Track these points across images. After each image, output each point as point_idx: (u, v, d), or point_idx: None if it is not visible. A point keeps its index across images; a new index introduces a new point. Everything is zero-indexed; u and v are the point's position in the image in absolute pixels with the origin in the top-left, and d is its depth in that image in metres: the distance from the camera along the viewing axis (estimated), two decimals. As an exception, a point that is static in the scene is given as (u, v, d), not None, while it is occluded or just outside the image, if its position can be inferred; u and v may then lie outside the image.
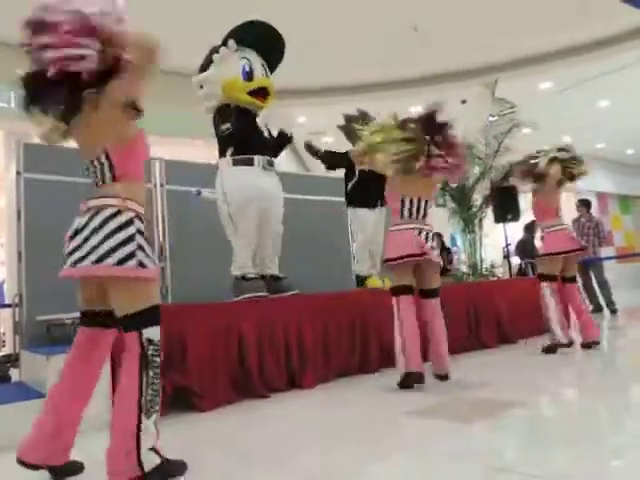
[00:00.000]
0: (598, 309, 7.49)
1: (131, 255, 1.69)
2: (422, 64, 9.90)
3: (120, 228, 1.71)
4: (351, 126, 4.32)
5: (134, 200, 1.80)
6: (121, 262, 1.68)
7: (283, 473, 1.84)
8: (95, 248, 1.69)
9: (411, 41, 8.80)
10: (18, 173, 3.77)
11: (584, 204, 7.85)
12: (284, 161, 7.47)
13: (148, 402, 1.71)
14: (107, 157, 1.81)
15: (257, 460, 2.01)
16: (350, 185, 4.86)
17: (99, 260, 1.68)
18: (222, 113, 3.63)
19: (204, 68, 3.77)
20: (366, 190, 4.67)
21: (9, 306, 3.92)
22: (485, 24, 8.54)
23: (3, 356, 4.08)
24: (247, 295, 3.47)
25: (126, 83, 1.77)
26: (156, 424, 1.75)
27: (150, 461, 1.70)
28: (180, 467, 1.84)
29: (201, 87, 3.78)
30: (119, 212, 1.74)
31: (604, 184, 16.88)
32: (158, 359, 1.76)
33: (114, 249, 1.68)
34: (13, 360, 3.70)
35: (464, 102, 10.68)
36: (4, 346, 4.99)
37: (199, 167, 4.62)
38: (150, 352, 1.73)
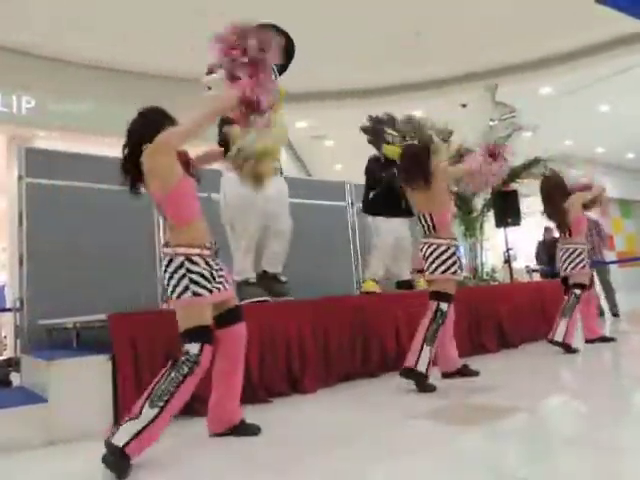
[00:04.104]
0: (600, 313, 7.45)
1: (185, 289, 2.17)
2: (423, 68, 9.93)
3: (175, 272, 2.18)
4: (378, 128, 4.28)
5: (182, 245, 2.19)
6: (179, 296, 2.18)
7: (285, 477, 1.84)
8: (168, 287, 2.22)
9: (412, 45, 8.83)
10: (20, 177, 3.78)
11: None
12: (285, 166, 7.44)
13: (157, 394, 2.04)
14: (159, 208, 2.28)
15: (259, 464, 2.01)
16: (374, 193, 4.60)
17: (171, 295, 2.21)
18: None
19: (212, 70, 3.73)
20: (393, 198, 4.46)
21: (10, 310, 3.92)
22: (486, 29, 8.58)
23: (4, 360, 4.07)
24: (249, 300, 3.47)
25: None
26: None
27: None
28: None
29: (208, 88, 3.74)
30: (171, 260, 2.19)
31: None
32: (186, 369, 2.11)
33: (174, 287, 2.18)
34: (14, 364, 3.69)
35: (464, 106, 10.73)
36: (5, 349, 4.99)
37: (201, 172, 4.60)
38: (181, 360, 2.12)
